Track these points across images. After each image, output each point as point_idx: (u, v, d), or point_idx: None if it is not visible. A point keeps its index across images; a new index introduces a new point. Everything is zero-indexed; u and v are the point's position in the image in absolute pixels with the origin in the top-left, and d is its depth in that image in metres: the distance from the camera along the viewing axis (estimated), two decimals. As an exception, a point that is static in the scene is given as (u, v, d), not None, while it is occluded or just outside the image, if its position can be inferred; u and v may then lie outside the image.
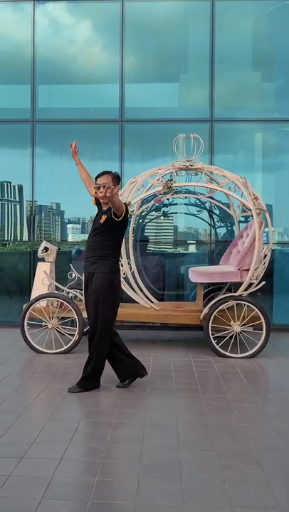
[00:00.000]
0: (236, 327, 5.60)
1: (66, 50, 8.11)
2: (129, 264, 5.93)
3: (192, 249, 8.14)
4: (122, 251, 5.82)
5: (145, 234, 7.87)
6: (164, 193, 5.72)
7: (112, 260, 4.26)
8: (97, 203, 4.40)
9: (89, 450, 3.10)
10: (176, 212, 7.85)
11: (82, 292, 4.50)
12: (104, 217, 4.21)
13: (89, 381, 4.32)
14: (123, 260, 5.84)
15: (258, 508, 2.45)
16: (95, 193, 4.17)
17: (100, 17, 8.02)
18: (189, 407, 3.96)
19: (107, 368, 5.06)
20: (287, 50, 7.76)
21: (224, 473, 2.80)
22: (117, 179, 4.33)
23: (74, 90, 8.09)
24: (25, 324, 5.66)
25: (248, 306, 5.57)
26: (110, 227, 4.22)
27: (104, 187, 4.07)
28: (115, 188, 4.26)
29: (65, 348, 5.63)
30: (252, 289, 5.80)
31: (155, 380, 4.61)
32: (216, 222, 7.63)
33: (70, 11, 8.07)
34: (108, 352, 4.36)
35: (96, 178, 4.31)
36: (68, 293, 5.92)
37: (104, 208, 4.30)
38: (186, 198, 7.13)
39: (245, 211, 6.20)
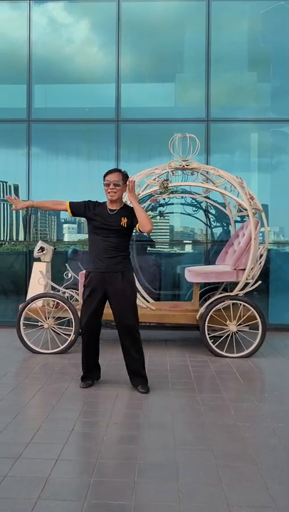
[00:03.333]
0: (232, 327, 5.61)
1: (62, 50, 8.10)
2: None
3: (188, 248, 8.14)
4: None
5: (141, 234, 7.86)
6: (161, 193, 5.72)
7: (130, 259, 4.39)
8: (88, 206, 4.32)
9: (85, 450, 3.10)
10: (173, 212, 7.85)
11: (83, 292, 4.38)
12: (124, 220, 4.21)
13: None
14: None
15: (254, 507, 2.45)
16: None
17: (96, 17, 8.01)
18: (185, 407, 3.96)
19: (103, 368, 5.06)
20: (283, 50, 7.77)
21: (220, 472, 2.81)
22: (126, 178, 4.33)
23: (70, 90, 8.08)
24: (21, 324, 5.65)
25: (244, 305, 5.58)
26: (129, 230, 4.30)
27: (114, 184, 4.15)
28: (124, 187, 4.28)
29: (61, 348, 5.62)
30: (248, 289, 5.81)
31: (151, 380, 4.60)
32: (212, 222, 7.64)
33: (67, 11, 8.06)
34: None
35: (105, 175, 4.26)
36: (64, 293, 5.91)
37: (113, 208, 4.26)
38: (182, 197, 7.13)
39: (241, 211, 6.21)
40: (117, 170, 4.32)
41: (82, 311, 4.38)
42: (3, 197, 8.24)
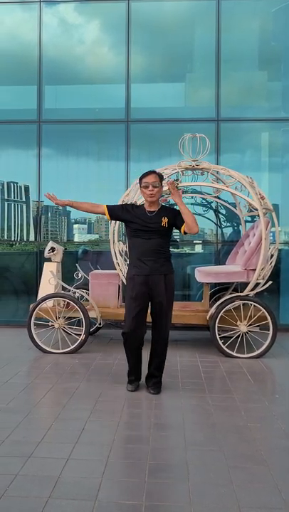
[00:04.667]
0: (243, 327, 5.59)
1: (72, 51, 8.12)
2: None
3: (198, 249, 8.12)
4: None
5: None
6: (170, 193, 5.71)
7: (171, 261, 4.37)
8: (126, 208, 4.31)
9: (96, 450, 3.11)
10: (183, 212, 7.83)
11: (127, 295, 4.29)
12: (165, 220, 4.20)
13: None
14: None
15: (265, 508, 2.44)
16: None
17: (106, 17, 8.03)
18: (196, 407, 3.95)
19: (114, 368, 5.07)
20: (294, 48, 7.73)
21: (231, 473, 2.80)
22: (162, 179, 4.34)
23: (80, 91, 8.11)
24: (32, 324, 5.68)
25: (254, 306, 5.56)
26: (169, 230, 4.30)
27: (153, 186, 4.16)
28: (161, 188, 4.31)
29: (71, 347, 5.64)
30: (258, 289, 5.78)
31: (162, 380, 4.60)
32: (223, 222, 7.62)
33: (76, 12, 8.09)
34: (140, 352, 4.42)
35: (142, 178, 4.25)
36: (75, 293, 5.93)
37: (152, 209, 4.25)
38: (192, 197, 7.12)
39: (251, 211, 6.19)
40: (153, 172, 4.31)
41: (126, 314, 4.28)
42: (14, 197, 8.29)
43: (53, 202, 4.55)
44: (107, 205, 4.39)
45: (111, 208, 4.38)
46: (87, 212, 4.50)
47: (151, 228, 4.19)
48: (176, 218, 4.25)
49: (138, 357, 4.39)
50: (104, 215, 4.39)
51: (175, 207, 4.43)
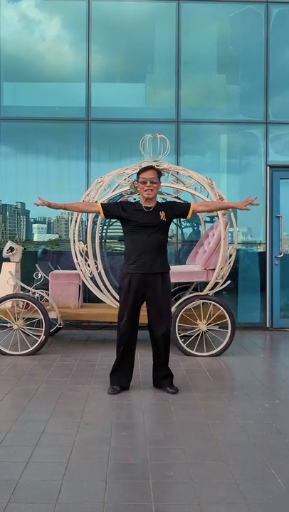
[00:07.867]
0: (202, 326, 5.67)
1: (32, 47, 8.00)
2: (95, 264, 5.91)
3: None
4: (89, 251, 5.81)
5: (111, 233, 7.86)
6: (131, 193, 5.73)
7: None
8: (122, 206, 4.26)
9: (56, 452, 3.08)
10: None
11: (123, 295, 4.24)
12: (163, 214, 4.20)
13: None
14: (90, 260, 5.82)
15: (225, 504, 2.49)
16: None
17: (67, 15, 7.95)
18: (156, 406, 3.98)
19: (74, 369, 5.04)
20: (251, 53, 7.89)
21: (191, 470, 2.84)
22: (160, 175, 4.34)
23: (40, 88, 7.99)
24: (-10, 325, 5.56)
25: (213, 305, 5.65)
26: (168, 225, 4.30)
27: (151, 182, 4.14)
28: (159, 185, 4.29)
29: (31, 349, 5.56)
30: (218, 289, 5.88)
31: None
32: (182, 222, 7.70)
33: (37, 8, 7.97)
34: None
35: (140, 173, 4.23)
36: (34, 293, 5.86)
37: (150, 205, 4.22)
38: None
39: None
40: (152, 167, 4.31)
41: (121, 315, 4.25)
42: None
43: (49, 207, 4.36)
44: (101, 203, 4.38)
45: (105, 205, 4.37)
46: (80, 212, 4.48)
47: (149, 224, 4.17)
48: (172, 209, 4.28)
49: (128, 360, 4.35)
50: (99, 213, 4.36)
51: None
